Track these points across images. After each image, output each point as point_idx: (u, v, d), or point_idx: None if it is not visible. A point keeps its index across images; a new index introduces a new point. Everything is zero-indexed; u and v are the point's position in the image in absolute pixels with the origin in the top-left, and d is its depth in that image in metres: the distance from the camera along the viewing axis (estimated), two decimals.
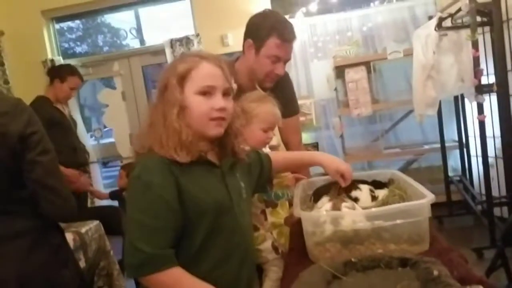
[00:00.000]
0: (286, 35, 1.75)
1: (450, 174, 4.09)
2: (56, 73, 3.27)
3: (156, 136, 1.18)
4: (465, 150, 4.08)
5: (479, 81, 3.02)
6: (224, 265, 1.23)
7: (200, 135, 1.21)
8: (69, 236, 2.14)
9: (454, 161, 4.34)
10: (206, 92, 1.20)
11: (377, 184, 1.73)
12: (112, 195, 3.19)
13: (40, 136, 1.37)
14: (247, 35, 1.80)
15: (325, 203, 1.45)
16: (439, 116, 3.94)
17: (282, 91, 1.82)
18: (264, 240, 1.59)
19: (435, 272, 1.01)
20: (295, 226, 1.51)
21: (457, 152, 4.19)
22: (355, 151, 4.38)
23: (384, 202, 1.45)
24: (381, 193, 1.63)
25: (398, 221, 1.24)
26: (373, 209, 1.29)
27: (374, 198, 1.61)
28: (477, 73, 3.01)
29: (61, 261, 1.43)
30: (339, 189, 1.57)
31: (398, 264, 1.13)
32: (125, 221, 1.25)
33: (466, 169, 4.08)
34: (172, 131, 1.17)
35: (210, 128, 1.22)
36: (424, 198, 1.30)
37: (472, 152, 4.01)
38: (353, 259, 1.16)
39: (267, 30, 1.74)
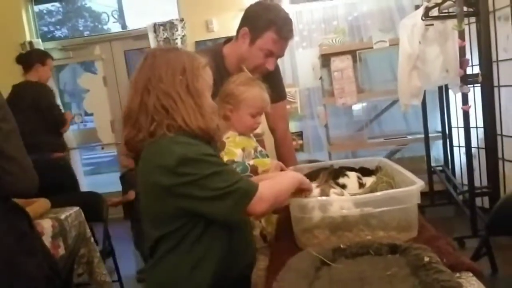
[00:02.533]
0: (285, 32, 1.71)
1: (433, 164, 4.13)
2: (35, 58, 3.39)
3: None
4: (448, 140, 4.11)
5: (465, 71, 3.02)
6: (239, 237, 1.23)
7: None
8: (47, 223, 2.09)
9: (436, 151, 4.37)
10: None
11: (364, 171, 1.72)
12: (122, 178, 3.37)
13: (1, 105, 1.32)
14: (244, 22, 1.75)
15: (313, 189, 1.42)
16: (423, 106, 3.95)
17: (270, 76, 1.78)
18: (253, 228, 1.56)
19: (426, 259, 1.00)
20: (283, 213, 1.48)
21: (440, 142, 4.22)
22: (339, 140, 4.38)
23: (373, 189, 1.44)
24: (368, 180, 1.63)
25: (387, 208, 1.22)
26: (362, 196, 1.27)
27: (361, 185, 1.60)
28: (463, 63, 3.02)
29: (26, 249, 1.37)
30: (327, 175, 1.54)
31: (387, 250, 1.11)
32: (141, 207, 1.20)
33: (448, 160, 4.12)
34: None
35: None
36: (413, 185, 1.28)
37: (455, 143, 4.05)
38: (342, 246, 1.14)
39: (266, 23, 1.69)
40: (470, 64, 3.24)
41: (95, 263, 2.38)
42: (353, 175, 1.64)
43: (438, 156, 4.37)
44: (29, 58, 3.39)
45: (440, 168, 4.14)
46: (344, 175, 1.64)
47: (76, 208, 2.36)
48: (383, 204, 1.22)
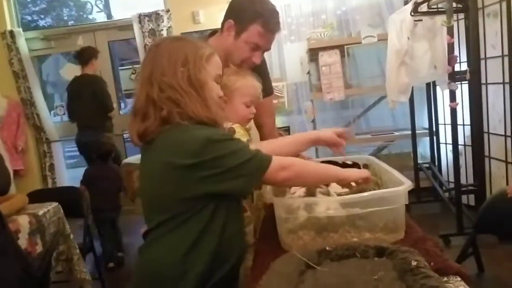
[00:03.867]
0: (272, 25, 1.65)
1: (420, 161, 4.12)
2: (90, 54, 4.02)
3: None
4: (435, 137, 4.11)
5: (453, 67, 3.01)
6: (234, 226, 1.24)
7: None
8: (24, 219, 2.02)
9: (423, 148, 4.37)
10: None
11: (347, 167, 1.67)
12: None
13: None
14: (229, 15, 1.69)
15: (298, 189, 1.38)
16: (410, 103, 3.94)
17: (257, 70, 1.72)
18: (249, 223, 1.53)
19: (413, 263, 0.96)
20: (268, 212, 1.44)
21: (427, 139, 4.22)
22: None
23: (360, 189, 1.39)
24: None
25: (374, 209, 1.18)
26: (349, 196, 1.23)
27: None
28: (451, 59, 3.00)
29: None
30: None
31: (374, 253, 1.07)
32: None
33: (435, 157, 4.12)
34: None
35: None
36: (401, 185, 1.25)
37: (442, 140, 4.05)
38: (327, 248, 1.10)
39: (252, 15, 1.63)
40: (458, 61, 3.23)
41: (74, 260, 2.32)
42: None
43: (425, 153, 4.37)
44: (86, 55, 3.99)
45: (427, 165, 4.14)
46: None
47: (54, 204, 2.29)
48: (370, 205, 1.18)
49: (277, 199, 1.25)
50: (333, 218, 1.20)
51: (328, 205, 1.21)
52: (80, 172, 3.63)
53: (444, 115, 3.92)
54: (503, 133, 3.14)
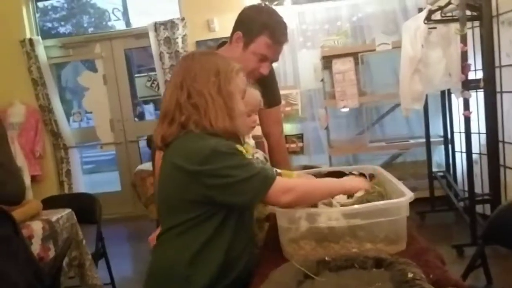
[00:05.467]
0: (279, 36, 1.68)
1: (434, 169, 4.07)
2: None
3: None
4: (450, 145, 4.05)
5: (466, 76, 2.97)
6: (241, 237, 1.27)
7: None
8: (38, 225, 2.06)
9: (439, 156, 4.31)
10: None
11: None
12: None
13: None
14: (238, 26, 1.72)
15: None
16: (425, 110, 3.90)
17: (264, 80, 1.74)
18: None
19: (410, 275, 0.96)
20: (272, 222, 1.45)
21: (442, 147, 4.17)
22: (340, 143, 4.33)
23: (363, 200, 1.39)
24: None
25: (375, 220, 1.18)
26: (351, 207, 1.23)
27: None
28: (465, 68, 2.97)
29: (8, 253, 1.35)
30: None
31: (372, 264, 1.07)
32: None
33: (450, 165, 4.06)
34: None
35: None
36: (403, 196, 1.24)
37: (457, 148, 3.99)
38: (327, 258, 1.11)
39: (259, 27, 1.66)
40: (473, 68, 3.19)
41: (86, 266, 2.36)
42: None
43: (440, 161, 4.31)
44: None
45: (442, 173, 4.08)
46: None
47: (68, 210, 2.34)
48: (371, 216, 1.18)
49: (279, 209, 1.26)
50: (334, 229, 1.20)
51: (329, 215, 1.22)
52: (96, 177, 3.69)
53: (459, 123, 3.87)
54: None
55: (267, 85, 1.78)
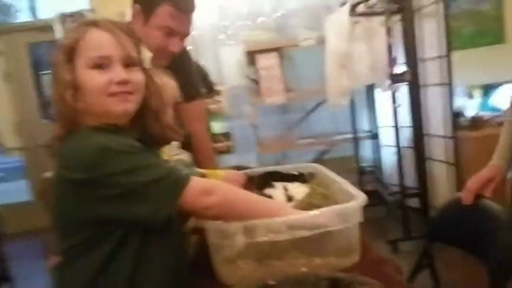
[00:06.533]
0: (182, 3, 1.47)
1: (363, 164, 4.07)
2: None
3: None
4: (377, 140, 4.07)
5: (392, 69, 2.95)
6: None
7: (107, 116, 1.00)
8: None
9: (366, 151, 4.33)
10: (100, 65, 0.98)
11: (289, 178, 1.50)
12: None
13: None
14: None
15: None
16: (351, 106, 3.88)
17: (180, 71, 1.50)
18: None
19: None
20: (200, 236, 1.23)
21: (369, 142, 4.18)
22: (268, 141, 4.20)
23: (308, 203, 1.21)
24: (295, 191, 1.39)
25: (324, 230, 1.00)
26: (296, 216, 1.04)
27: (289, 197, 1.36)
28: (390, 61, 2.94)
29: None
30: (250, 186, 1.32)
31: (327, 286, 0.90)
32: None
33: (378, 159, 4.09)
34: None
35: (112, 105, 0.99)
36: (352, 197, 1.08)
37: (383, 142, 4.02)
38: (271, 282, 0.91)
39: None
40: (398, 62, 3.18)
41: None
42: (279, 185, 1.42)
43: (368, 156, 4.34)
44: None
45: (370, 168, 4.09)
46: (270, 184, 1.42)
47: None
48: (318, 225, 1.00)
49: (210, 223, 1.04)
50: (277, 243, 1.01)
51: (269, 226, 1.01)
52: (2, 187, 3.22)
53: (385, 117, 3.89)
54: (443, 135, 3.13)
55: (182, 74, 1.53)
